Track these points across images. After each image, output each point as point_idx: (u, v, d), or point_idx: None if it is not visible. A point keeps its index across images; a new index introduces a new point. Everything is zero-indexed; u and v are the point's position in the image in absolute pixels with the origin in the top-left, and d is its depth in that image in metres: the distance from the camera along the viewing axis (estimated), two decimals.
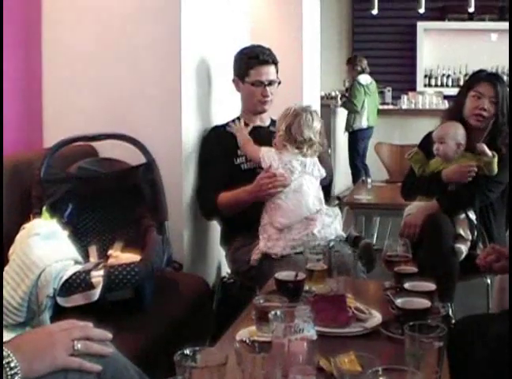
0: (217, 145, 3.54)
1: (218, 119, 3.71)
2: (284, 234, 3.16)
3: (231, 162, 3.50)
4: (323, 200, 3.30)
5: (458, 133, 3.64)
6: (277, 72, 3.61)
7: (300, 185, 3.23)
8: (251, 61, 3.53)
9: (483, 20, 10.77)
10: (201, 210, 3.53)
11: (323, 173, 3.34)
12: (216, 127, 3.64)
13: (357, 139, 8.99)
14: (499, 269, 2.60)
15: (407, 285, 2.24)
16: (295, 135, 3.23)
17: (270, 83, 3.54)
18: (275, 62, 3.59)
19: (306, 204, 3.21)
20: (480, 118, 3.66)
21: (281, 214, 3.18)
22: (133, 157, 3.10)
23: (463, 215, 3.59)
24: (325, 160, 3.52)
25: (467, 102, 3.71)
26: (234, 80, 3.64)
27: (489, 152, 3.54)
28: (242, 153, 3.48)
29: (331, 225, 3.20)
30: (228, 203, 3.38)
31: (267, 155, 3.28)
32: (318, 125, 3.28)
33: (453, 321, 2.79)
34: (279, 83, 3.60)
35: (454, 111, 3.84)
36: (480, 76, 3.80)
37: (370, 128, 9.08)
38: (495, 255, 2.55)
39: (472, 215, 3.61)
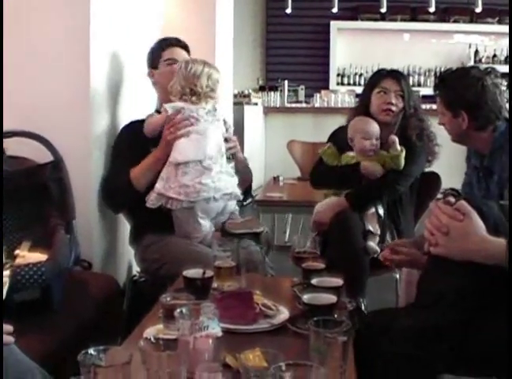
0: (133, 140, 3.43)
1: (130, 117, 3.65)
2: (179, 177, 3.20)
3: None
4: (224, 151, 3.36)
5: (377, 128, 3.70)
6: None
7: (205, 129, 3.29)
8: (163, 43, 3.59)
9: (395, 20, 10.96)
10: (109, 199, 3.42)
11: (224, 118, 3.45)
12: (135, 122, 3.55)
13: None
14: (399, 264, 2.68)
15: (314, 281, 2.26)
16: (190, 87, 3.30)
17: None
18: (187, 49, 3.63)
19: (205, 147, 3.26)
20: (390, 113, 3.72)
21: (179, 151, 3.24)
22: (41, 155, 3.05)
23: (372, 210, 3.66)
24: (244, 163, 3.60)
25: (373, 99, 3.78)
26: (148, 74, 3.62)
27: (398, 146, 3.62)
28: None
29: (228, 182, 3.30)
30: (141, 171, 3.32)
31: (171, 106, 3.31)
32: (211, 72, 3.36)
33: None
34: None
35: (361, 110, 3.88)
36: (381, 74, 3.87)
37: None
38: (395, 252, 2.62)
39: (381, 210, 3.68)
